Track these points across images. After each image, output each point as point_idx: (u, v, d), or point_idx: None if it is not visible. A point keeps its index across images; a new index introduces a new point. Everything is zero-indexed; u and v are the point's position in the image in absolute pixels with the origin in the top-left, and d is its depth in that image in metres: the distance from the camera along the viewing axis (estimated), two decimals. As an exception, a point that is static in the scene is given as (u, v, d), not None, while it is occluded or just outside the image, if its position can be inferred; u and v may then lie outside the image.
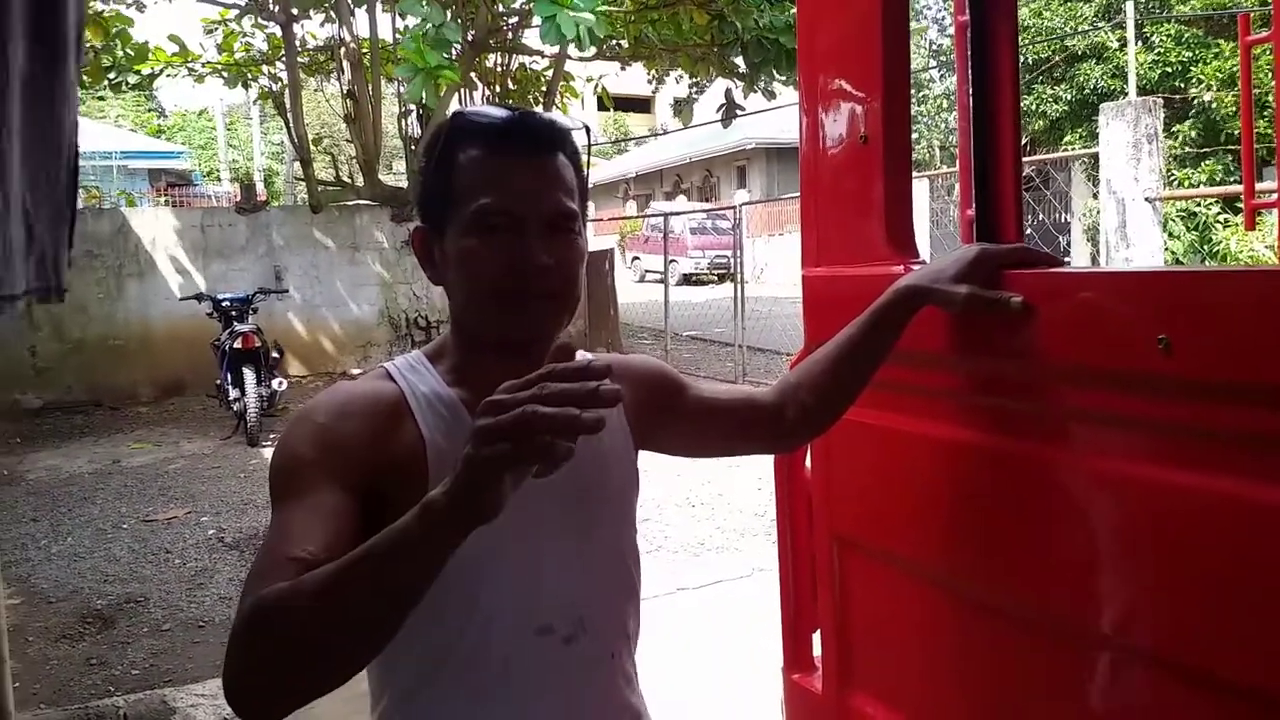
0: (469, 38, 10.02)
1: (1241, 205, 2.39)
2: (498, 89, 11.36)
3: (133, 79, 10.91)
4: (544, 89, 11.24)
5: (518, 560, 1.05)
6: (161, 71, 11.12)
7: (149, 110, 30.43)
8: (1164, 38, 13.65)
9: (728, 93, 10.15)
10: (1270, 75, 2.08)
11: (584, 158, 1.12)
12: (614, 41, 10.87)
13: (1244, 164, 2.39)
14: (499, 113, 1.06)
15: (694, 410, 1.27)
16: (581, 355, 1.13)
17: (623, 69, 12.07)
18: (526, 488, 1.00)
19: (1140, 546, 1.11)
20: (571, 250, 1.07)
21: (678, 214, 18.37)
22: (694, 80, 11.54)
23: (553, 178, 1.06)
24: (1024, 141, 14.92)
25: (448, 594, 0.98)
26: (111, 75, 10.36)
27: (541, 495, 1.02)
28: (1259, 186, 2.42)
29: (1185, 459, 1.06)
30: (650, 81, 12.06)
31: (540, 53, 11.06)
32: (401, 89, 11.36)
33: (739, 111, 10.34)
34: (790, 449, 1.41)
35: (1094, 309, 1.15)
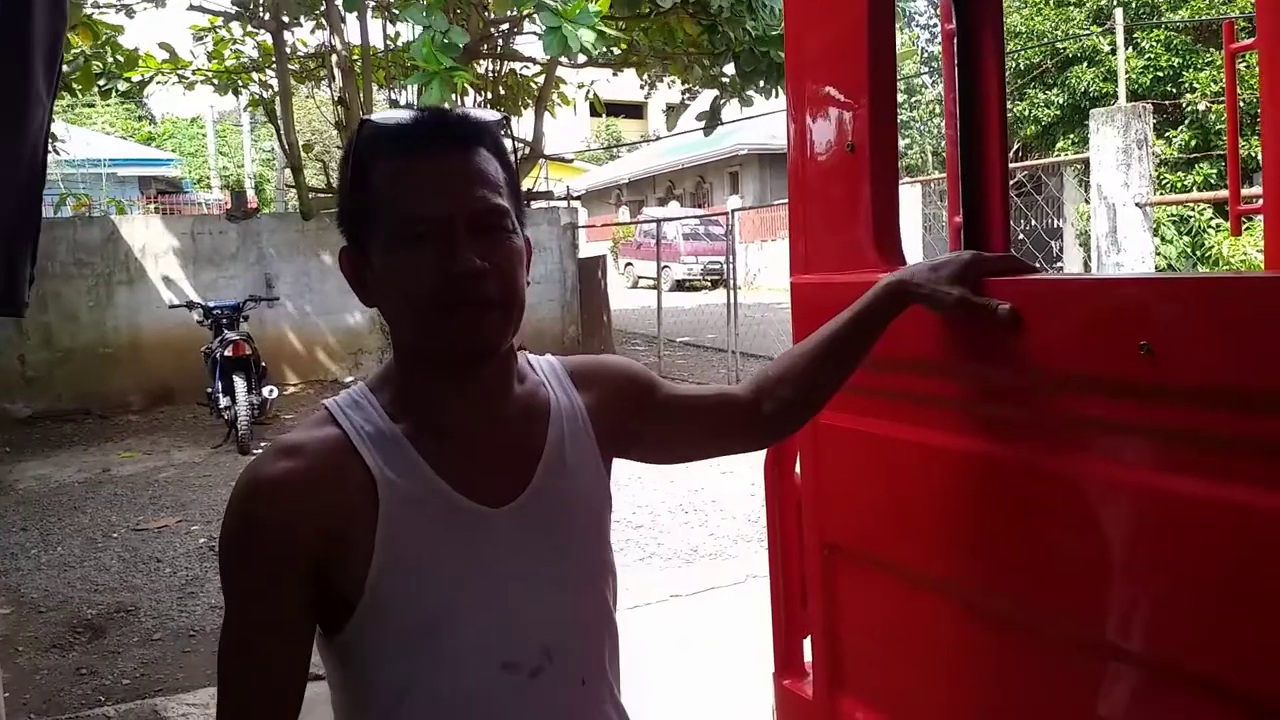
0: (460, 45, 10.04)
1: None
2: (489, 95, 11.37)
3: (122, 86, 10.89)
4: (536, 95, 11.26)
5: (481, 596, 1.00)
6: (151, 78, 11.11)
7: (139, 117, 30.38)
8: (1154, 43, 13.74)
9: (712, 102, 10.19)
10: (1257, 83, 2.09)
11: (510, 151, 1.04)
12: (605, 48, 10.89)
13: (1229, 170, 2.41)
14: (406, 114, 1.00)
15: (667, 410, 1.21)
16: (526, 358, 1.13)
17: (615, 75, 12.09)
18: (489, 520, 1.01)
19: (1129, 550, 1.12)
20: (507, 251, 0.99)
21: (670, 220, 18.39)
22: (686, 86, 11.56)
23: (475, 174, 0.98)
24: (1017, 146, 15.07)
25: (409, 632, 0.97)
26: (101, 82, 10.33)
27: (505, 526, 1.02)
28: (1246, 192, 2.43)
29: (1169, 463, 1.07)
30: (643, 87, 12.07)
31: (532, 59, 11.08)
32: (393, 94, 11.38)
33: (720, 121, 10.38)
34: (766, 444, 1.34)
35: (1077, 315, 1.16)
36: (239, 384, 7.47)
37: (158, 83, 11.26)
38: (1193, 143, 12.87)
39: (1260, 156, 2.18)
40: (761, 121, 15.42)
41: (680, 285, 20.50)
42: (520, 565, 1.02)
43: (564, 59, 9.75)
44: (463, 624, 0.99)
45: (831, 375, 1.25)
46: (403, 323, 1.00)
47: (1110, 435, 1.14)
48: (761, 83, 9.40)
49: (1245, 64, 2.21)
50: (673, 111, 12.37)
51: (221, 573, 0.98)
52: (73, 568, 4.95)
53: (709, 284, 19.75)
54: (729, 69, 9.80)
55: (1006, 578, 1.30)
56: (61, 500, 6.29)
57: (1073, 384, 1.17)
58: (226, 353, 7.58)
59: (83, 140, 17.23)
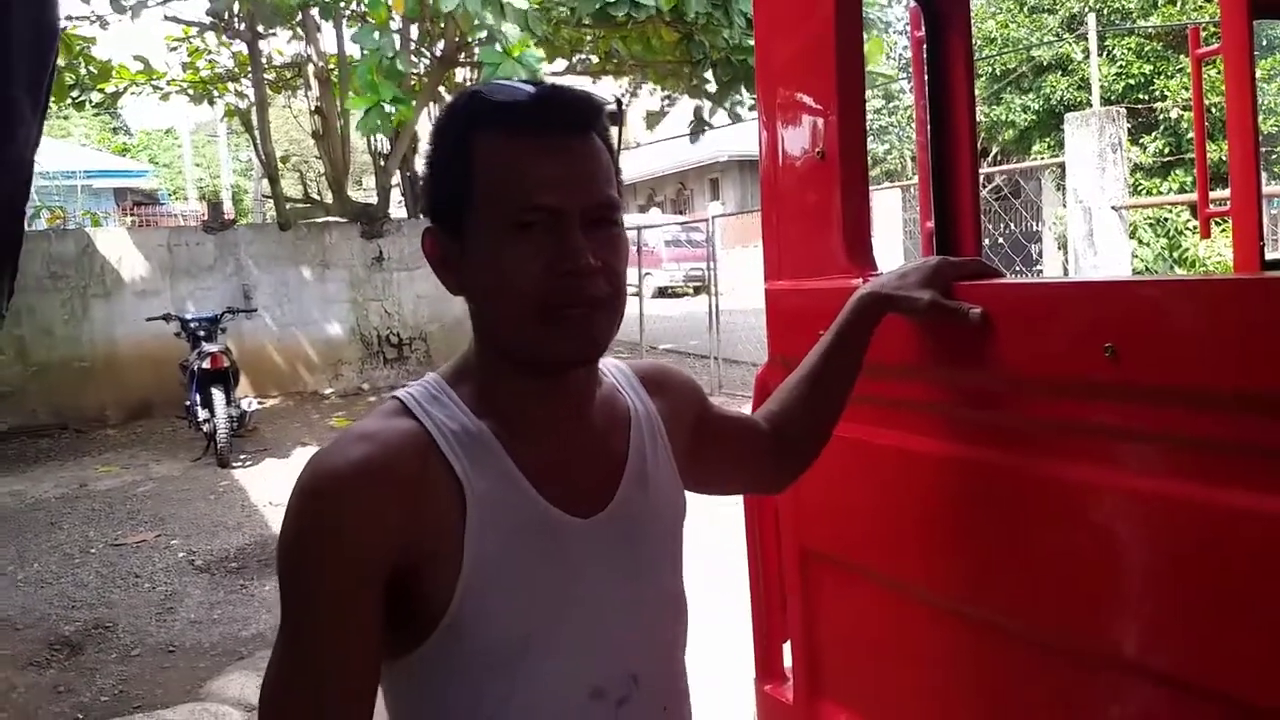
0: (437, 53, 10.03)
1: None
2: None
3: (96, 97, 10.83)
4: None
5: (573, 616, 0.92)
6: (126, 89, 11.04)
7: (114, 129, 30.17)
8: (1125, 50, 13.92)
9: (696, 110, 10.23)
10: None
11: (615, 138, 0.97)
12: (584, 56, 10.92)
13: (1198, 174, 2.44)
14: (523, 88, 0.90)
15: (716, 428, 1.15)
16: (607, 364, 1.06)
17: (594, 83, 12.11)
18: (579, 532, 0.94)
19: (1103, 552, 1.12)
20: (618, 248, 0.92)
21: (652, 227, 18.42)
22: (666, 94, 11.60)
23: (591, 163, 0.90)
24: (995, 151, 15.20)
25: (496, 655, 0.89)
26: (75, 94, 10.27)
27: (594, 540, 0.95)
28: (1215, 195, 2.47)
29: (1137, 464, 1.08)
30: (623, 96, 12.11)
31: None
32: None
33: (708, 127, 10.44)
34: (788, 477, 1.28)
35: (1043, 319, 1.17)
36: (217, 396, 7.42)
37: (132, 93, 11.18)
38: (1166, 149, 13.04)
39: (1229, 162, 2.22)
40: (741, 129, 15.49)
41: (663, 292, 20.53)
42: (610, 584, 0.95)
43: (543, 66, 9.76)
44: (554, 647, 0.91)
45: (829, 396, 1.24)
46: (498, 317, 0.91)
47: (1079, 437, 1.15)
48: (740, 92, 9.45)
49: (1217, 69, 2.24)
50: (652, 118, 12.39)
51: (284, 579, 0.86)
52: (50, 584, 4.90)
53: (691, 290, 19.78)
54: (709, 77, 9.85)
55: (983, 582, 1.31)
56: (38, 516, 6.23)
57: (1042, 387, 1.18)
58: (204, 365, 7.53)
59: (56, 152, 17.10)
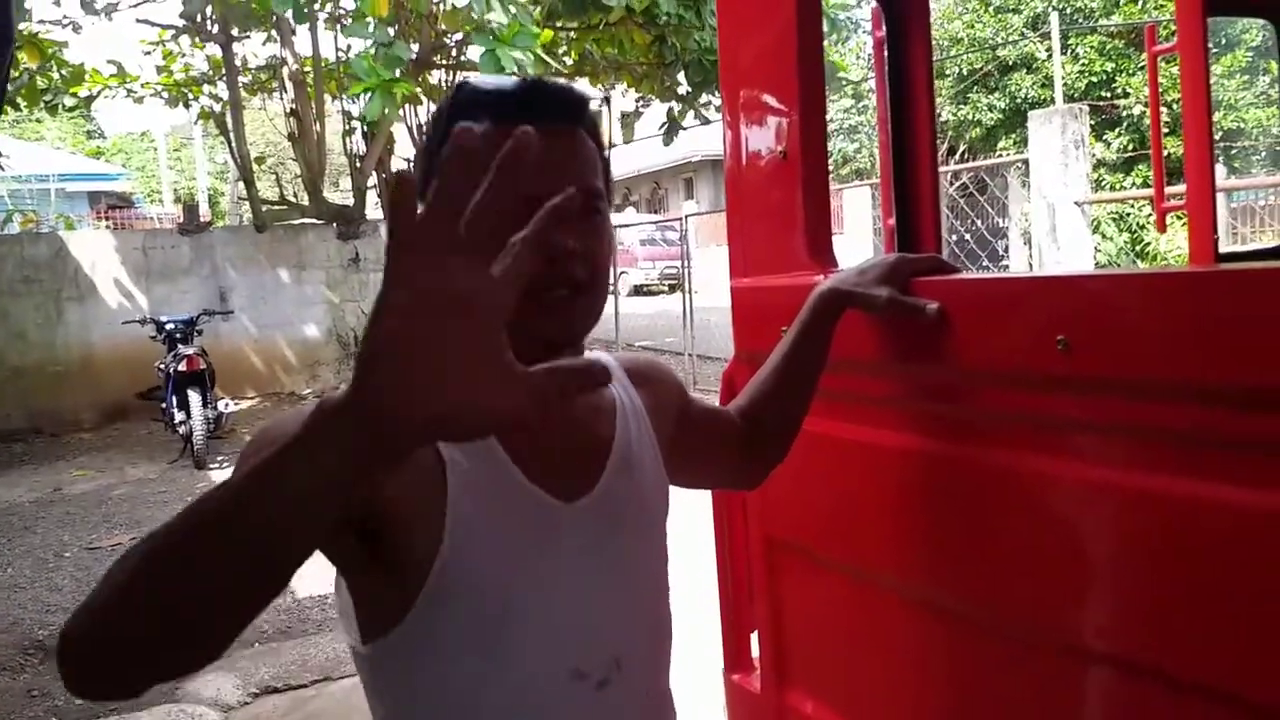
0: (412, 55, 10.01)
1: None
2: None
3: (69, 101, 10.74)
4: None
5: (554, 595, 0.93)
6: (99, 93, 10.96)
7: (87, 132, 29.88)
8: (1088, 49, 14.10)
9: (669, 112, 10.28)
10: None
11: (604, 133, 0.98)
12: (557, 58, 10.91)
13: (1154, 169, 2.49)
14: (509, 81, 0.94)
15: (696, 421, 1.17)
16: (595, 358, 1.06)
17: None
18: (562, 515, 0.94)
19: (1061, 542, 1.15)
20: (600, 236, 0.94)
21: (627, 226, 18.45)
22: (640, 97, 11.63)
23: (578, 152, 0.93)
24: (963, 149, 15.32)
25: (476, 628, 0.90)
26: (47, 97, 10.18)
27: (577, 522, 0.96)
28: (1171, 190, 2.52)
29: (1091, 455, 1.11)
30: (599, 99, 12.13)
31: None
32: (346, 105, 11.31)
33: (680, 129, 10.48)
34: (759, 472, 1.29)
35: (997, 313, 1.21)
36: (194, 398, 7.38)
37: (106, 97, 11.10)
38: (1129, 144, 13.23)
39: (1184, 158, 2.27)
40: (715, 129, 15.55)
41: (638, 290, 20.56)
42: (592, 566, 0.96)
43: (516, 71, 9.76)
44: (534, 623, 0.92)
45: (794, 390, 1.26)
46: None
47: (1035, 428, 1.18)
48: (711, 94, 9.50)
49: (1176, 66, 2.29)
50: (627, 120, 12.42)
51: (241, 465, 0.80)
52: (23, 588, 4.86)
53: (666, 288, 19.82)
54: (681, 79, 9.89)
55: (945, 571, 1.34)
56: (11, 521, 6.18)
57: (996, 380, 1.22)
58: (180, 367, 7.50)
59: (29, 155, 16.93)
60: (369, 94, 7.44)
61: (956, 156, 15.26)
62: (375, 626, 0.91)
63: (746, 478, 1.32)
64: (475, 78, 0.96)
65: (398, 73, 7.58)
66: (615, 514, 0.99)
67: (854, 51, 16.93)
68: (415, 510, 0.87)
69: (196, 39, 10.69)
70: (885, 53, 1.96)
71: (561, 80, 0.98)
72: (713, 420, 1.23)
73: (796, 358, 1.26)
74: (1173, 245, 8.02)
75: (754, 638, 1.87)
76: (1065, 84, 13.03)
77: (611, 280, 0.98)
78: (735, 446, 1.24)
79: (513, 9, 7.21)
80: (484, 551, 0.90)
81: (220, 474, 7.13)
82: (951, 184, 10.69)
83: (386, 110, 7.67)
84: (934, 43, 2.09)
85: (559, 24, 9.40)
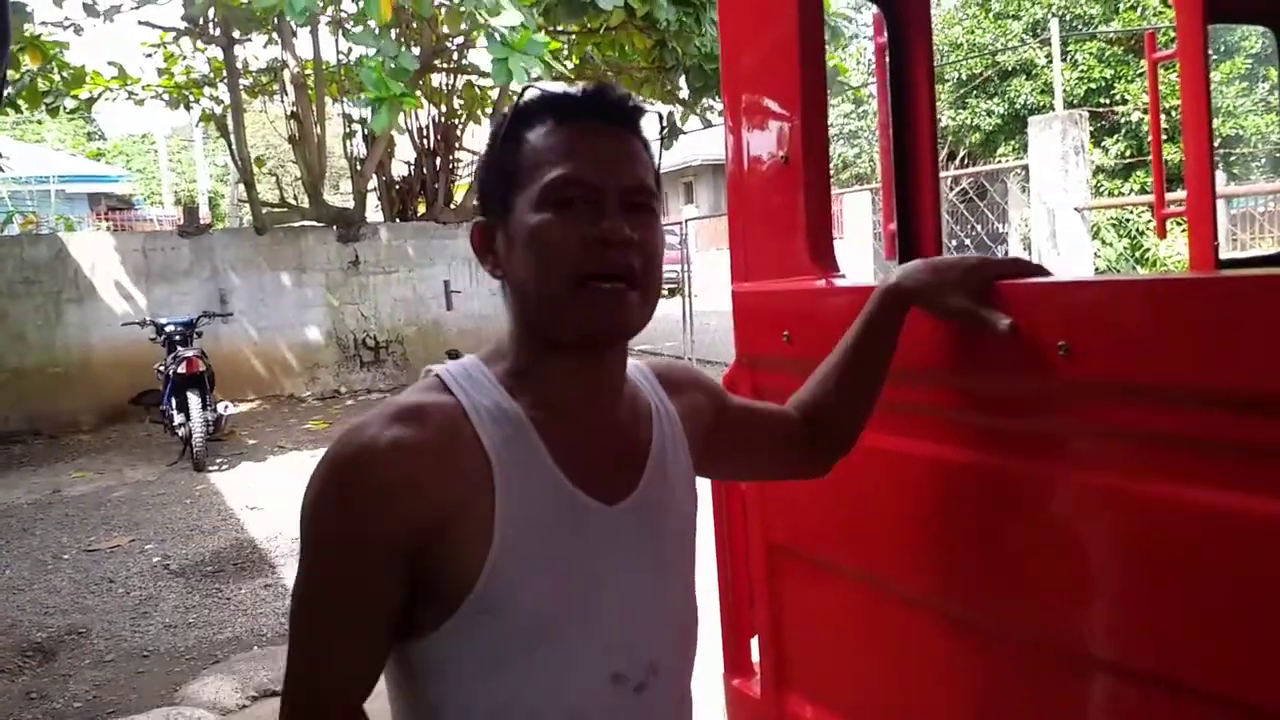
0: (417, 64, 10.03)
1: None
2: (444, 108, 11.36)
3: (70, 103, 10.74)
4: (490, 108, 11.28)
5: (597, 600, 0.94)
6: (100, 95, 10.96)
7: (88, 134, 29.90)
8: (1087, 55, 14.13)
9: (669, 116, 10.29)
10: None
11: (656, 147, 1.01)
12: (558, 61, 10.92)
13: (1154, 175, 2.50)
14: (572, 87, 0.98)
15: (736, 421, 1.18)
16: (628, 364, 1.06)
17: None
18: (604, 518, 0.96)
19: (1065, 545, 1.15)
20: (654, 232, 0.95)
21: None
22: (642, 100, 11.65)
23: (633, 152, 0.96)
24: (962, 154, 15.33)
25: (519, 634, 0.91)
26: (49, 99, 10.19)
27: (618, 526, 0.97)
28: (1171, 196, 2.52)
29: (1096, 460, 1.11)
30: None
31: (486, 72, 11.10)
32: (346, 108, 11.33)
33: (680, 133, 10.50)
34: (821, 469, 1.27)
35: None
36: (193, 401, 7.37)
37: (107, 99, 11.10)
38: (1127, 150, 13.25)
39: (1184, 164, 2.27)
40: (716, 133, 15.57)
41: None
42: (632, 571, 0.97)
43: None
44: (578, 628, 0.93)
45: (855, 384, 1.23)
46: (535, 292, 0.93)
47: (1035, 435, 1.18)
48: (712, 98, 9.52)
49: (1176, 72, 2.30)
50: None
51: (310, 538, 0.89)
52: (22, 590, 4.85)
53: (666, 292, 19.80)
54: (681, 83, 9.91)
55: (947, 575, 1.34)
56: (10, 523, 6.17)
57: (1002, 386, 1.22)
58: (180, 369, 7.48)
59: (30, 157, 16.93)
60: (377, 105, 7.47)
61: (956, 162, 15.28)
62: (417, 624, 0.92)
63: (809, 468, 1.28)
64: (542, 84, 1.01)
65: (403, 84, 7.61)
66: (653, 518, 1.00)
67: (854, 56, 16.95)
68: (463, 517, 0.89)
69: (198, 41, 10.70)
70: (886, 58, 1.97)
71: (625, 92, 1.01)
72: (760, 417, 1.22)
73: (857, 354, 1.22)
74: (1172, 251, 8.03)
75: (754, 642, 1.87)
76: (1064, 90, 13.05)
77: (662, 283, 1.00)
78: (791, 439, 1.23)
79: (519, 12, 7.23)
80: (531, 559, 0.91)
81: (219, 476, 7.13)
82: (951, 189, 10.70)
83: (392, 123, 7.72)
84: (934, 48, 2.10)
85: (557, 28, 9.40)
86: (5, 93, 1.96)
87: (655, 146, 1.01)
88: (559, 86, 0.98)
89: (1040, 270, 1.20)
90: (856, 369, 1.22)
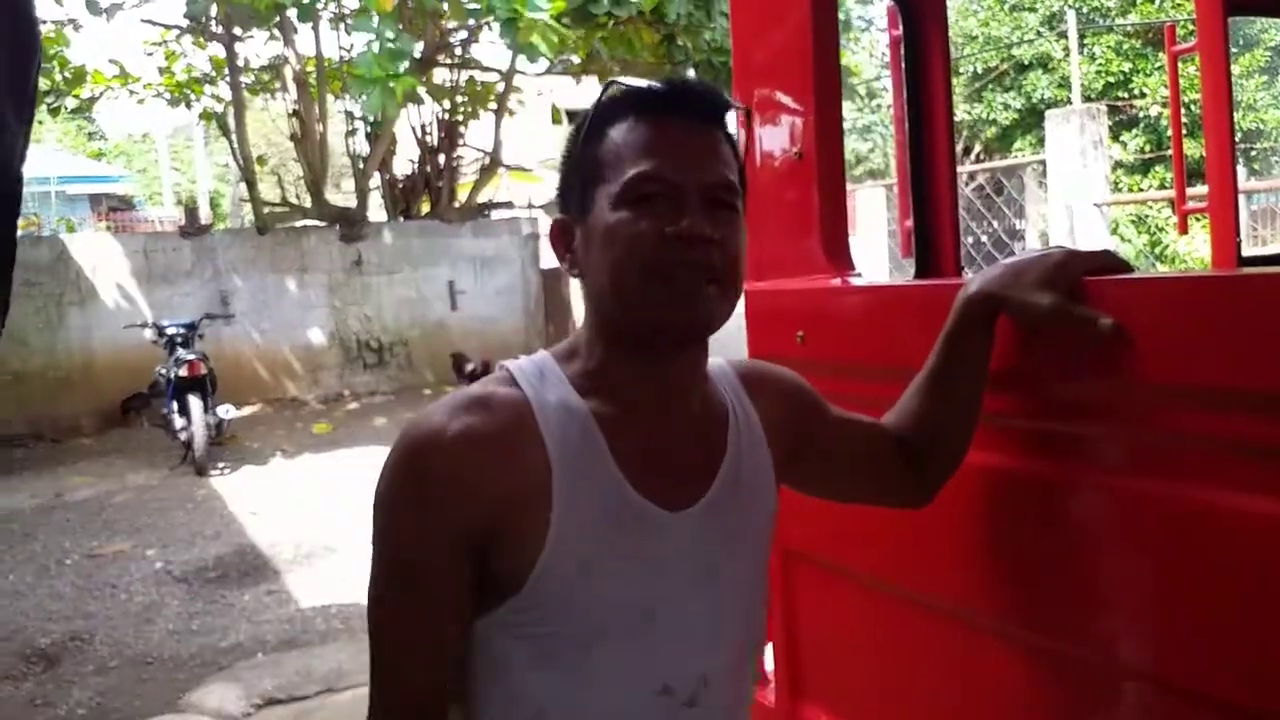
0: (416, 54, 9.99)
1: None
2: (447, 104, 11.32)
3: (71, 102, 10.72)
4: (494, 103, 11.23)
5: (650, 608, 0.93)
6: (101, 94, 10.94)
7: (89, 133, 29.91)
8: (1105, 48, 14.04)
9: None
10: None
11: (740, 141, 0.99)
12: (565, 56, 10.90)
13: (1175, 171, 2.45)
14: (655, 82, 0.96)
15: (835, 430, 1.12)
16: (710, 362, 1.03)
17: (577, 83, 12.11)
18: (665, 525, 0.93)
19: (1084, 551, 1.12)
20: (735, 229, 0.93)
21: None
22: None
23: (714, 148, 0.94)
24: (978, 149, 15.25)
25: (567, 639, 0.90)
26: (49, 98, 10.16)
27: (679, 534, 0.94)
28: (1192, 192, 2.47)
29: (1116, 463, 1.08)
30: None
31: (490, 67, 11.05)
32: (348, 107, 11.29)
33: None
34: (922, 495, 1.18)
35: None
36: (194, 404, 7.34)
37: (108, 98, 11.08)
38: (1146, 145, 13.16)
39: (1205, 159, 2.23)
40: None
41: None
42: (691, 582, 0.95)
43: (523, 68, 9.75)
44: (629, 636, 0.91)
45: (947, 405, 1.13)
46: (612, 287, 0.91)
47: (1059, 436, 1.14)
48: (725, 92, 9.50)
49: (1195, 66, 2.26)
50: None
51: (382, 529, 0.90)
52: (25, 596, 4.83)
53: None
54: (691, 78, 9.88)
55: (965, 582, 1.30)
56: (12, 528, 6.15)
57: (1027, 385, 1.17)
58: (181, 372, 7.46)
59: (30, 157, 16.85)
60: (370, 89, 7.41)
61: (972, 157, 15.21)
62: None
63: (907, 494, 1.19)
64: (623, 79, 0.98)
65: (401, 68, 7.55)
66: (720, 527, 0.97)
67: (868, 49, 16.88)
68: (521, 513, 0.88)
69: (199, 39, 10.67)
70: (901, 52, 1.92)
71: (709, 85, 0.98)
72: (855, 431, 1.15)
73: (943, 371, 1.12)
74: (1192, 248, 7.96)
75: (769, 650, 1.83)
76: (1082, 84, 12.95)
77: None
78: (887, 460, 1.15)
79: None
80: (584, 564, 0.89)
81: (221, 480, 7.10)
82: (968, 185, 10.62)
83: (387, 106, 7.65)
84: (949, 41, 2.05)
85: (564, 23, 9.36)
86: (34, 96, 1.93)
87: (739, 141, 0.99)
88: (642, 82, 0.95)
89: (1128, 266, 1.09)
90: (945, 389, 1.12)
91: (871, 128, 19.25)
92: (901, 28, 1.92)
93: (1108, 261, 1.07)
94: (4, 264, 1.92)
